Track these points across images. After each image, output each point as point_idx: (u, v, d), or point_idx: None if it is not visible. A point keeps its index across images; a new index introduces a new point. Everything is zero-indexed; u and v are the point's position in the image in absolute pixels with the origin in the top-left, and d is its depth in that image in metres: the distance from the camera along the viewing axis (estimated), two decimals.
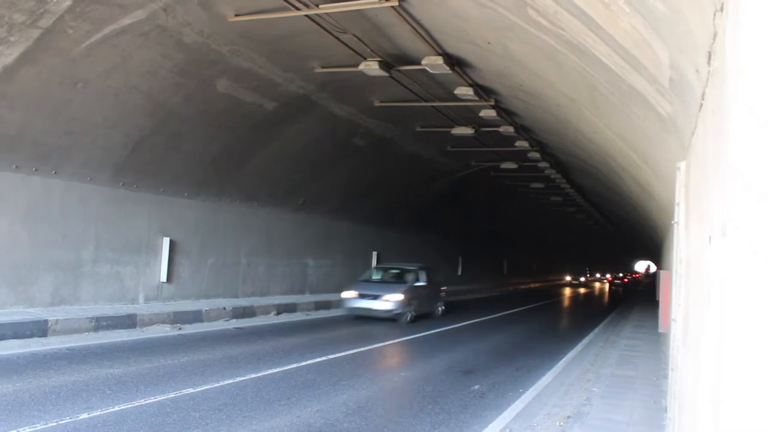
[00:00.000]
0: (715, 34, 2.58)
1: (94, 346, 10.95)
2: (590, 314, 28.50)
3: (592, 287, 63.93)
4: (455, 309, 22.92)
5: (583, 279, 66.23)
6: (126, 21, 10.73)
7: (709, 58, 2.82)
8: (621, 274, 72.52)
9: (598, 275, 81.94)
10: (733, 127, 1.97)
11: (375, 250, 26.16)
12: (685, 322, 4.66)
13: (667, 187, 7.64)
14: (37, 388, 7.77)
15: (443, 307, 21.22)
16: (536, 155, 20.95)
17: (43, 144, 12.18)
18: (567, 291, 50.83)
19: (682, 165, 5.23)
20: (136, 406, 7.30)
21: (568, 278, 64.76)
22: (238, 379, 9.07)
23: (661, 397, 8.59)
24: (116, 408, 7.14)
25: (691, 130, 4.16)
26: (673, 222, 6.10)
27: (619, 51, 5.05)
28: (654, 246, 30.08)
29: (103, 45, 11.06)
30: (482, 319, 21.88)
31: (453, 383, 9.93)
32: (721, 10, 2.35)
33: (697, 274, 3.57)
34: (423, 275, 19.83)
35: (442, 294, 21.45)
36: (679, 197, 5.40)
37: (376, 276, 20.40)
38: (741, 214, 1.83)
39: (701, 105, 3.35)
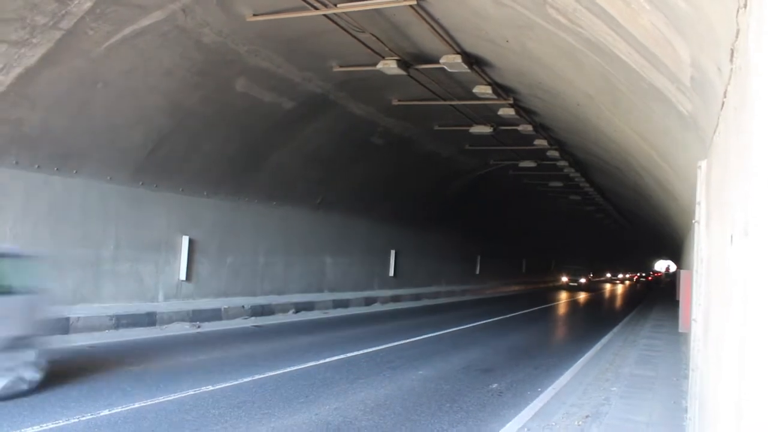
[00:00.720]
0: (738, 31, 2.55)
1: (114, 343, 11.08)
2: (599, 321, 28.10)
3: (600, 289, 51.47)
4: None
5: (584, 280, 51.03)
6: (145, 22, 10.83)
7: (732, 56, 2.79)
8: (644, 274, 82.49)
9: (609, 275, 71.71)
10: (757, 124, 1.94)
11: (393, 249, 26.17)
12: (706, 321, 4.61)
13: (687, 186, 7.57)
14: (58, 385, 7.88)
15: (34, 376, 7.50)
16: (555, 154, 20.83)
17: (64, 144, 12.33)
18: (564, 295, 40.65)
19: (703, 164, 5.18)
20: (156, 403, 7.37)
21: (564, 279, 50.79)
22: (257, 376, 9.13)
23: (681, 398, 8.51)
24: (136, 405, 7.22)
25: (713, 129, 4.12)
26: (693, 221, 6.04)
27: (640, 49, 5.01)
28: (674, 245, 29.80)
29: (122, 46, 11.17)
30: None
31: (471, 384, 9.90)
32: (745, 6, 2.32)
33: (719, 274, 3.54)
34: None
35: (36, 336, 7.72)
36: (700, 196, 5.35)
37: None
38: (763, 212, 1.80)
39: (723, 103, 3.32)
